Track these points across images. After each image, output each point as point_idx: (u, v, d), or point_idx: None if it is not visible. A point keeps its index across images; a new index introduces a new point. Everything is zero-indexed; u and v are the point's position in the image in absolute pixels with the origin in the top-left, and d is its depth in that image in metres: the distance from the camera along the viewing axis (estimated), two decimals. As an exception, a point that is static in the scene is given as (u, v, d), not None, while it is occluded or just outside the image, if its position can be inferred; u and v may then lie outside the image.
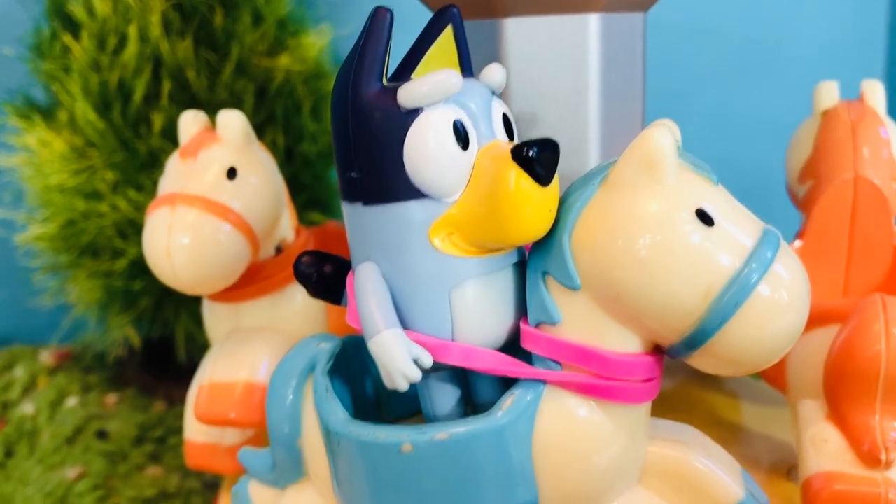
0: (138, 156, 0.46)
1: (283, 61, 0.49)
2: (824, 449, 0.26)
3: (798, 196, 0.33)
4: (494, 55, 0.28)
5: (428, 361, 0.20)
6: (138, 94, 0.46)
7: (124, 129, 0.46)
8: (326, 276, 0.23)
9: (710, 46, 0.58)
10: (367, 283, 0.20)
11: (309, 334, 0.32)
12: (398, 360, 0.19)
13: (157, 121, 0.46)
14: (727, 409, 0.38)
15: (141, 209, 0.46)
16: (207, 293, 0.29)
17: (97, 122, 0.46)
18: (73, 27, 0.47)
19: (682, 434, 0.22)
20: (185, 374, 0.52)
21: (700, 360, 0.20)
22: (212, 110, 0.46)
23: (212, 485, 0.42)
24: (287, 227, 0.32)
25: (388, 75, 0.21)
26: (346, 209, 0.21)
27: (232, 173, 0.28)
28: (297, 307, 0.32)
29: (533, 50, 0.28)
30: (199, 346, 0.51)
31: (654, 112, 0.33)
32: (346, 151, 0.20)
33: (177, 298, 0.50)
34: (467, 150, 0.20)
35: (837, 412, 0.27)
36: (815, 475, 0.26)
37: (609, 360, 0.20)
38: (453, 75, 0.20)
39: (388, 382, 0.20)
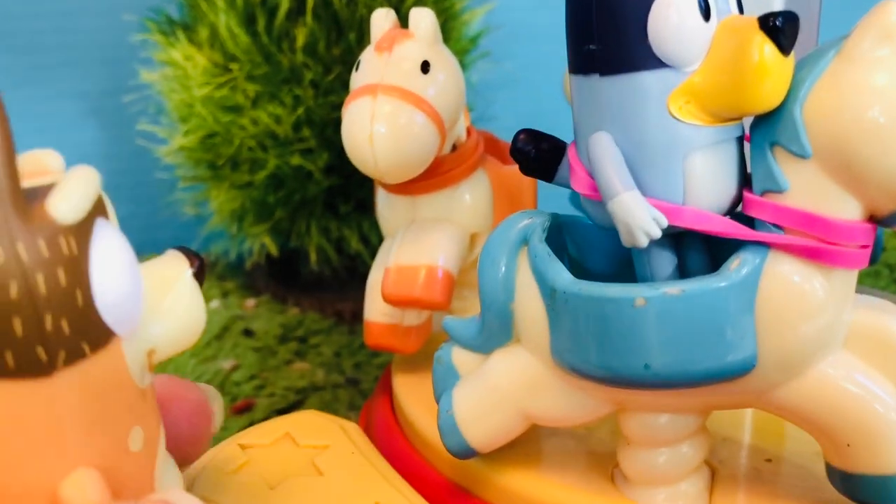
0: (281, 70, 0.48)
1: (416, -20, 0.50)
2: None
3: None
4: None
5: (664, 222, 0.21)
6: (282, 10, 0.47)
7: (268, 43, 0.48)
8: (543, 152, 0.25)
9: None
10: (605, 150, 0.22)
11: (477, 230, 0.34)
12: (639, 217, 0.21)
13: (300, 36, 0.47)
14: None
15: (280, 122, 0.48)
16: (401, 181, 0.31)
17: (241, 36, 0.48)
18: (216, -55, 0.49)
19: (883, 304, 0.23)
20: (312, 285, 0.55)
21: (916, 229, 0.21)
22: (350, 27, 0.48)
23: (353, 380, 0.45)
24: (462, 126, 0.33)
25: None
26: (577, 82, 0.23)
27: (425, 67, 0.30)
28: (467, 204, 0.34)
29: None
30: (326, 260, 0.54)
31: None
32: (585, 25, 0.22)
33: (308, 212, 0.52)
34: (708, 22, 0.21)
35: None
36: None
37: (833, 225, 0.21)
38: (698, -49, 0.21)
39: (629, 240, 0.21)
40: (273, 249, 0.52)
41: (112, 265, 0.17)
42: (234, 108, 0.49)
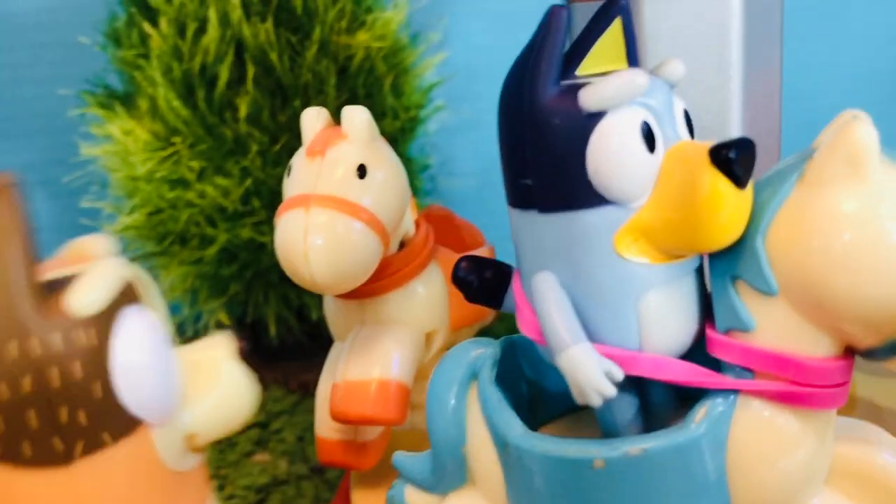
0: (225, 142, 0.46)
1: (362, 38, 0.47)
2: None
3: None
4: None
5: (619, 375, 0.19)
6: (222, 80, 0.45)
7: (209, 115, 0.45)
8: (487, 281, 0.23)
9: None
10: (548, 295, 0.20)
11: (432, 327, 0.32)
12: (591, 376, 0.19)
13: (242, 106, 0.45)
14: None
15: (228, 195, 0.46)
16: (343, 292, 0.28)
17: (181, 109, 0.45)
18: (150, 13, 0.47)
19: (865, 432, 0.21)
20: (274, 355, 0.53)
21: (900, 362, 0.19)
22: (295, 93, 0.46)
23: (318, 469, 0.42)
24: (409, 220, 0.31)
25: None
26: (517, 216, 0.21)
27: (362, 171, 0.28)
28: (420, 301, 0.31)
29: (672, 29, 0.26)
30: (287, 329, 0.51)
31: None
32: (519, 158, 0.20)
33: (265, 283, 0.50)
34: (654, 153, 0.19)
35: None
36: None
37: (806, 366, 0.19)
38: (639, 75, 0.19)
39: (580, 399, 0.19)
40: (228, 324, 0.49)
41: (138, 356, 0.17)
42: (179, 182, 0.47)
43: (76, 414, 0.16)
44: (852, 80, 0.57)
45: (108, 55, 0.49)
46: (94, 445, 0.16)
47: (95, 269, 0.17)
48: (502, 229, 0.32)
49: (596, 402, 0.19)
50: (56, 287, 0.16)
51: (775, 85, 0.29)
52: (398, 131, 0.50)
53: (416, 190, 0.52)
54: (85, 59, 0.51)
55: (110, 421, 0.16)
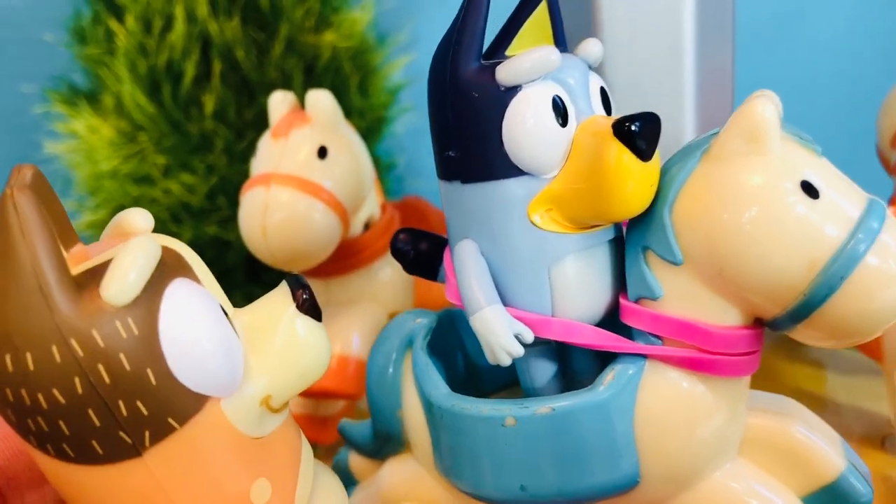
0: (190, 139, 0.46)
1: (329, 37, 0.48)
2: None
3: (890, 161, 0.32)
4: (588, 24, 0.28)
5: (529, 337, 0.20)
6: (188, 76, 0.46)
7: (175, 111, 0.46)
8: (423, 252, 0.24)
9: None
10: (467, 261, 0.20)
11: (396, 308, 0.33)
12: (500, 336, 0.20)
13: (209, 102, 0.46)
14: (813, 379, 0.37)
15: (194, 192, 0.47)
16: (300, 270, 0.29)
17: (147, 106, 0.46)
18: (115, 10, 0.47)
19: (780, 405, 0.22)
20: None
21: (803, 333, 0.20)
22: (262, 90, 0.47)
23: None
24: (374, 203, 0.32)
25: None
26: (444, 187, 0.22)
27: (323, 152, 0.29)
28: (384, 282, 0.32)
29: (628, 15, 0.27)
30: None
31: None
32: (443, 131, 0.21)
33: (230, 281, 0.50)
34: (566, 127, 0.20)
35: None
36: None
37: (711, 333, 0.20)
38: (552, 52, 0.19)
39: (491, 358, 0.20)
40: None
41: (187, 333, 0.16)
42: (144, 179, 0.47)
43: (135, 405, 0.15)
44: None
45: (73, 52, 0.50)
46: (161, 432, 0.16)
47: (125, 251, 0.16)
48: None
49: (504, 360, 0.20)
50: (93, 277, 0.15)
51: (727, 67, 0.30)
52: (365, 131, 0.51)
53: (383, 190, 0.53)
54: (48, 57, 0.52)
55: (173, 404, 0.16)
